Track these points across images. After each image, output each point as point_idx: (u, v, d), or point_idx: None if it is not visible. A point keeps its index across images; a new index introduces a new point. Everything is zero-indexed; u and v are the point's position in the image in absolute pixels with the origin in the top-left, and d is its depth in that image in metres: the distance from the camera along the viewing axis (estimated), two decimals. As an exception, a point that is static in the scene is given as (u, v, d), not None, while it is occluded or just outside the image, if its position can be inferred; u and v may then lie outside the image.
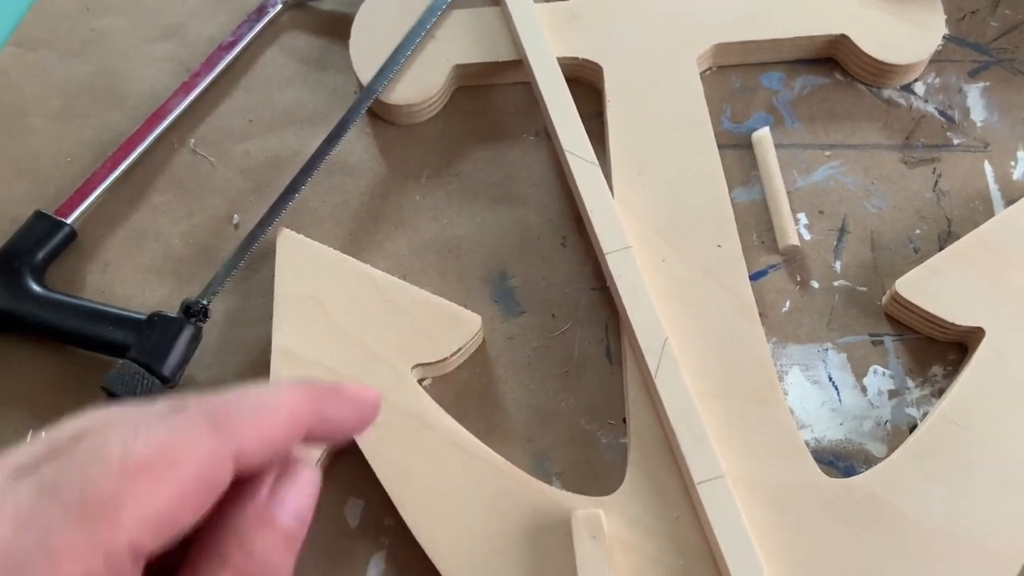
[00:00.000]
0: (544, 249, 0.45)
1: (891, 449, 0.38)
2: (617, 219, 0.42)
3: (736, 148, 0.47)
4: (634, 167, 0.44)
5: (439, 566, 0.35)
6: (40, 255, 0.43)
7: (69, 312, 0.41)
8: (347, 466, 0.39)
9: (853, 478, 0.37)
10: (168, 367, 0.39)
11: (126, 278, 0.44)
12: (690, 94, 0.46)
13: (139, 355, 0.39)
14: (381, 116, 0.49)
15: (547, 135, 0.48)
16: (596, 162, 0.43)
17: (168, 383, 0.39)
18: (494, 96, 0.49)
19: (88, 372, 0.41)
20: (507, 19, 0.48)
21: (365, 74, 0.47)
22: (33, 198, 0.46)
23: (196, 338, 0.40)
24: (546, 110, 0.45)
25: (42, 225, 0.44)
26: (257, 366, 0.42)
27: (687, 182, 0.43)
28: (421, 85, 0.47)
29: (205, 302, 0.41)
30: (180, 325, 0.40)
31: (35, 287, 0.42)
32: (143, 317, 0.40)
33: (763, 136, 0.46)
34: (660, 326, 0.39)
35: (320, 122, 0.49)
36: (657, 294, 0.40)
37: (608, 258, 0.41)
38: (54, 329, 0.41)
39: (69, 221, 0.44)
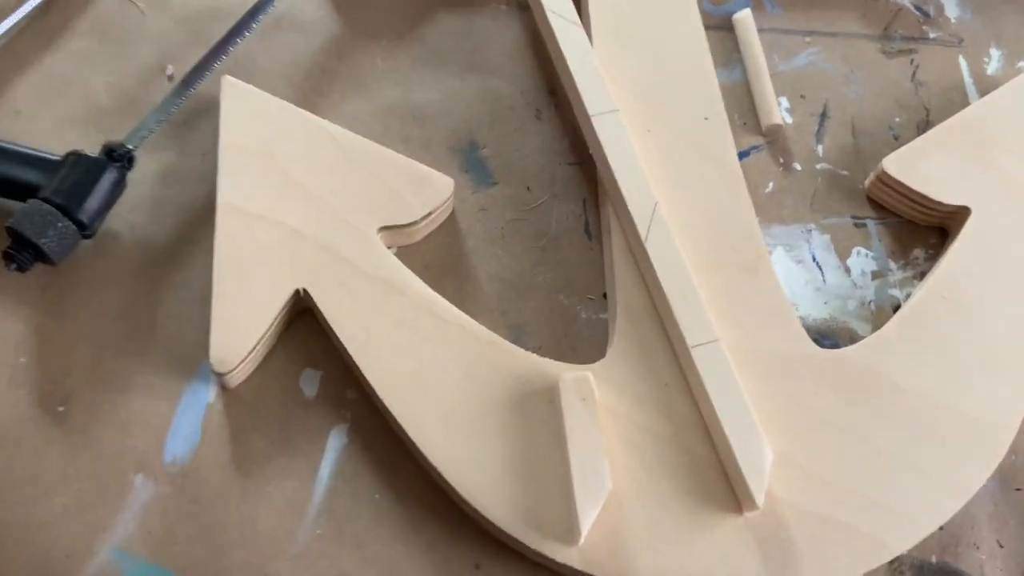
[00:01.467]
0: (517, 121, 0.41)
1: (875, 328, 0.37)
2: (602, 81, 0.39)
3: (716, 30, 0.45)
4: (617, 39, 0.41)
5: (413, 435, 0.32)
6: (-67, 92, 0.37)
7: (-32, 151, 0.35)
8: (301, 334, 0.35)
9: (845, 349, 0.35)
10: (86, 212, 0.34)
11: (40, 127, 0.38)
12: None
13: (52, 195, 0.33)
14: (337, -27, 0.44)
15: (520, 6, 0.44)
16: (579, 23, 0.40)
17: (85, 231, 0.34)
18: (461, -38, 0.46)
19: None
20: None
21: (321, -78, 0.43)
22: (-76, 34, 0.40)
23: (119, 184, 0.35)
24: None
25: (-64, 59, 0.38)
26: (195, 224, 0.37)
27: (672, 53, 0.41)
28: (385, -63, 0.43)
29: (131, 147, 0.36)
30: (101, 167, 0.34)
31: (-73, 126, 0.36)
32: (57, 158, 0.35)
33: (744, 16, 0.44)
34: (649, 190, 0.36)
35: (267, -25, 0.44)
36: (643, 164, 0.38)
37: (594, 121, 0.38)
38: (-51, 170, 0.35)
39: (-30, 56, 0.38)
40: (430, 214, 0.37)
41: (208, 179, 0.38)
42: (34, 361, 0.34)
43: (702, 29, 0.42)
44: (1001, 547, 0.34)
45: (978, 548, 0.34)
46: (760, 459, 0.31)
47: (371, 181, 0.36)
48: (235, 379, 0.34)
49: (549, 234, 0.39)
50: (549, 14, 0.40)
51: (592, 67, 0.39)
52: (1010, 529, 0.34)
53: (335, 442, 0.33)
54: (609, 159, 0.37)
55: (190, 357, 0.34)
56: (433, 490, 0.33)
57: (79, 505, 0.31)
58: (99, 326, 0.35)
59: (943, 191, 0.38)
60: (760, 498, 0.31)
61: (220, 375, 0.33)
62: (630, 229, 0.36)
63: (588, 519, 0.30)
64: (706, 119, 0.39)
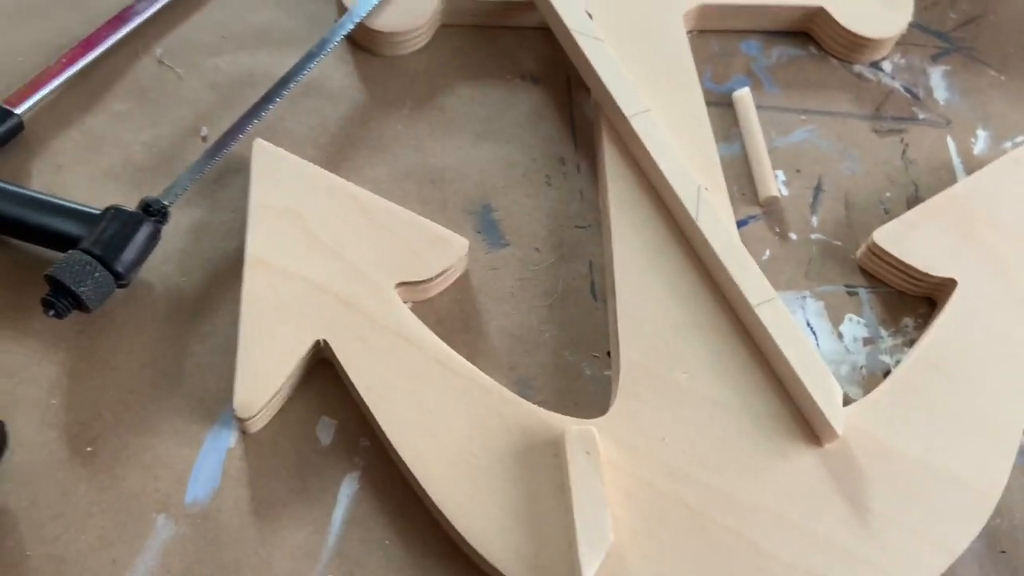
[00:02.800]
0: (528, 186, 0.44)
1: (866, 392, 0.39)
2: (634, 85, 0.43)
3: (716, 106, 0.47)
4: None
5: (423, 482, 0.33)
6: (-17, 143, 0.39)
7: (13, 200, 0.37)
8: (319, 384, 0.37)
9: (837, 411, 0.37)
10: (122, 262, 0.36)
11: (80, 182, 0.41)
12: (677, 46, 0.46)
13: (91, 246, 0.35)
14: (363, 45, 0.47)
15: (532, 79, 0.47)
16: (602, 39, 0.44)
17: (121, 280, 0.36)
18: (478, 37, 0.49)
19: (32, 267, 0.37)
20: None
21: (350, -2, 0.46)
22: (-24, 92, 0.42)
23: (154, 237, 0.37)
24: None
25: (-14, 113, 0.40)
26: (222, 277, 0.39)
27: (676, 128, 0.44)
28: (410, 13, 0.46)
29: (166, 202, 0.38)
30: (138, 220, 0.37)
31: (-24, 178, 0.38)
32: (96, 211, 0.37)
33: (744, 94, 0.47)
34: (691, 176, 0.40)
35: (296, 44, 0.47)
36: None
37: (631, 120, 0.42)
38: (-5, 219, 0.37)
39: (18, 112, 0.41)
40: (445, 271, 0.39)
41: (235, 235, 0.40)
42: (65, 403, 0.35)
43: (703, 103, 0.45)
44: (988, 608, 0.35)
45: (965, 608, 0.35)
46: (834, 393, 0.35)
47: (390, 239, 0.39)
48: (255, 425, 0.35)
49: (556, 293, 0.41)
50: (577, 35, 0.44)
51: (622, 74, 0.43)
52: (997, 591, 0.35)
53: (348, 489, 0.35)
54: (650, 150, 0.41)
55: (213, 404, 0.36)
56: (441, 537, 0.34)
57: (103, 542, 0.33)
58: (129, 371, 0.36)
59: (931, 263, 0.41)
60: (839, 426, 0.35)
61: (242, 420, 0.34)
62: (679, 211, 0.40)
63: (591, 570, 0.31)
64: (706, 189, 0.42)
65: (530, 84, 0.47)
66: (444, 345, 0.37)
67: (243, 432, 0.36)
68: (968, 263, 0.41)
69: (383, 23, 0.46)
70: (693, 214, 0.39)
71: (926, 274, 0.41)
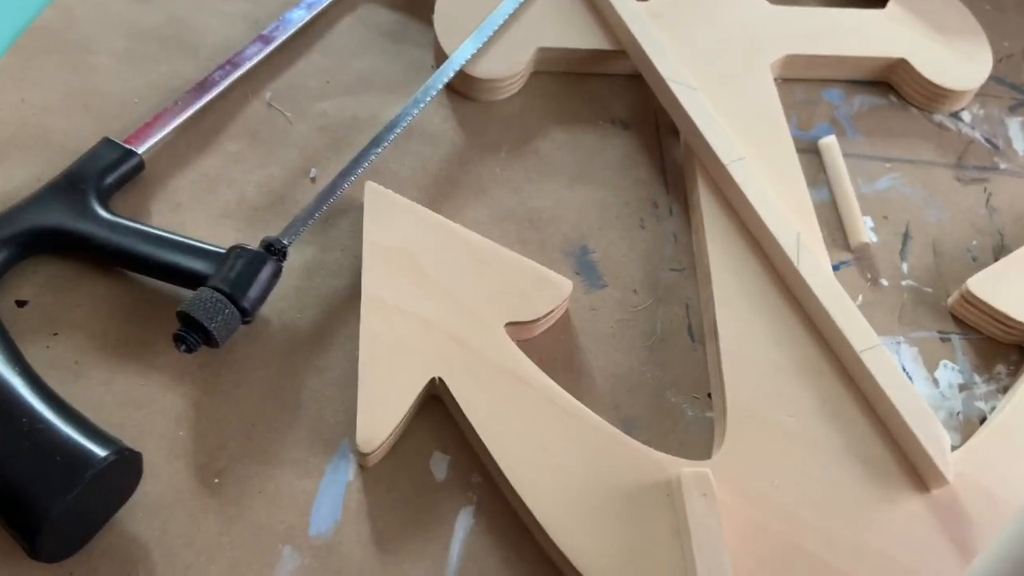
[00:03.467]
0: (623, 228, 0.45)
1: (964, 437, 0.39)
2: (729, 134, 0.44)
3: (802, 153, 0.49)
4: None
5: (540, 519, 0.34)
6: (108, 180, 0.41)
7: (142, 238, 0.39)
8: (431, 420, 0.38)
9: (941, 457, 0.37)
10: (249, 299, 0.37)
11: (198, 219, 0.43)
12: (766, 94, 0.48)
13: (220, 284, 0.37)
14: (460, 91, 0.49)
15: (622, 125, 0.49)
16: (696, 87, 0.45)
17: (247, 317, 0.37)
18: (569, 83, 0.50)
19: (158, 303, 0.39)
20: (599, 4, 0.50)
21: (449, 44, 0.48)
22: (98, 131, 0.44)
23: (276, 275, 0.39)
24: (640, 49, 0.48)
25: (110, 151, 0.42)
26: (335, 313, 0.40)
27: (767, 173, 0.45)
28: (507, 61, 0.48)
29: (286, 241, 0.40)
30: (262, 259, 0.38)
31: (102, 211, 0.40)
32: (221, 250, 0.39)
33: (831, 141, 0.48)
34: (790, 222, 0.41)
35: (397, 91, 0.48)
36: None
37: (729, 168, 0.43)
38: (125, 254, 0.39)
39: (139, 152, 0.42)
40: (551, 312, 0.40)
41: (345, 273, 0.42)
42: (192, 435, 0.36)
43: (793, 149, 0.46)
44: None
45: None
46: (942, 440, 0.36)
47: (498, 280, 0.40)
48: (373, 459, 0.36)
49: (655, 335, 0.42)
50: (671, 83, 0.45)
51: (717, 122, 0.45)
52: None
53: (463, 523, 0.36)
54: (749, 197, 0.42)
55: (332, 436, 0.37)
56: (556, 573, 0.35)
57: (233, 572, 0.33)
58: (250, 404, 0.38)
59: (1023, 311, 0.41)
60: (949, 473, 0.36)
61: (364, 455, 0.35)
62: (778, 256, 0.41)
63: (713, 610, 0.32)
64: (799, 233, 0.43)
65: (620, 129, 0.49)
66: (553, 383, 0.38)
67: (361, 466, 0.37)
68: (1062, 312, 0.41)
69: (482, 70, 0.47)
70: (794, 259, 0.40)
71: (1020, 322, 0.41)
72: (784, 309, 0.41)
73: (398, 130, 0.45)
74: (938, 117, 0.51)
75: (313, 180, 0.45)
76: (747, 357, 0.39)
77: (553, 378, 0.38)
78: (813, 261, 0.41)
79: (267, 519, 0.35)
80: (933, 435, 0.36)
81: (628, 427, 0.39)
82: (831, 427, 0.37)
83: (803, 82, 0.52)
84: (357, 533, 0.35)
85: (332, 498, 0.36)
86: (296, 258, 0.42)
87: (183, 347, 0.36)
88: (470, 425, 0.36)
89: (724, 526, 0.34)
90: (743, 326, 0.40)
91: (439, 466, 0.37)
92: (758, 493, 0.36)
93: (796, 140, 0.49)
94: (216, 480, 0.35)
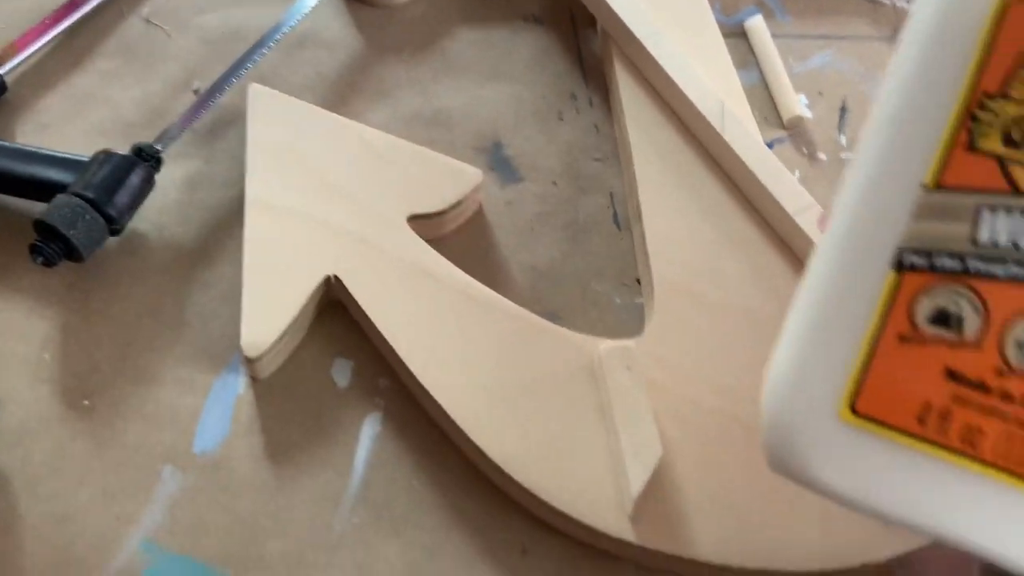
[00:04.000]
0: (540, 123, 0.42)
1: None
2: (644, 10, 0.41)
3: (729, 38, 0.45)
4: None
5: (453, 415, 0.31)
6: (-36, 104, 0.37)
7: (-2, 154, 0.35)
8: (332, 326, 0.34)
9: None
10: (115, 206, 0.33)
11: (67, 139, 0.39)
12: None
13: (81, 189, 0.33)
14: (358, -3, 0.45)
15: (535, 20, 0.45)
16: None
17: (114, 225, 0.33)
18: (477, -16, 0.47)
19: (17, 222, 0.35)
20: None
21: (342, -53, 0.44)
22: (-44, 58, 0.40)
23: (147, 182, 0.35)
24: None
25: (-33, 74, 0.38)
26: (222, 226, 0.37)
27: (690, 52, 0.41)
28: (404, -42, 0.44)
29: (158, 147, 0.36)
30: (131, 163, 0.34)
31: (-43, 136, 0.36)
32: (85, 159, 0.35)
33: (757, 22, 0.45)
34: (713, 91, 0.38)
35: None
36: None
37: (645, 43, 0.40)
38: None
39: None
40: (459, 203, 0.36)
41: (234, 184, 0.38)
42: (59, 357, 0.33)
43: (718, 30, 0.43)
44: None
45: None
46: None
47: (399, 173, 0.36)
48: (265, 369, 0.33)
49: (578, 225, 0.38)
50: None
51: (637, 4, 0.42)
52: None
53: (369, 430, 0.32)
54: (667, 69, 0.39)
55: (219, 351, 0.33)
56: (474, 474, 0.31)
57: (105, 498, 0.30)
58: (126, 324, 0.34)
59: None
60: None
61: (251, 361, 0.32)
62: (702, 128, 0.38)
63: (640, 484, 0.28)
64: (724, 102, 0.39)
65: (534, 25, 0.45)
66: (465, 275, 0.34)
67: (253, 378, 0.33)
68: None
69: (377, -31, 0.44)
70: (718, 128, 0.37)
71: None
72: (710, 181, 0.37)
73: (285, 31, 0.41)
74: (871, -6, 0.49)
75: (196, 93, 0.41)
76: (672, 233, 0.36)
77: (468, 275, 0.35)
78: (739, 129, 0.37)
79: (145, 440, 0.31)
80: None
81: (552, 319, 0.35)
82: (765, 296, 0.34)
83: (726, -32, 0.49)
84: (248, 447, 0.31)
85: (219, 413, 0.32)
86: (178, 171, 0.38)
87: (40, 259, 0.32)
88: (372, 324, 0.33)
89: (655, 406, 0.31)
90: (667, 202, 0.37)
91: (342, 372, 0.33)
92: (690, 368, 0.32)
93: (722, 25, 0.46)
94: (86, 403, 0.32)
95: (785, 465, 0.22)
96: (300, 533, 0.30)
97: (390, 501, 0.31)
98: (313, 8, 0.43)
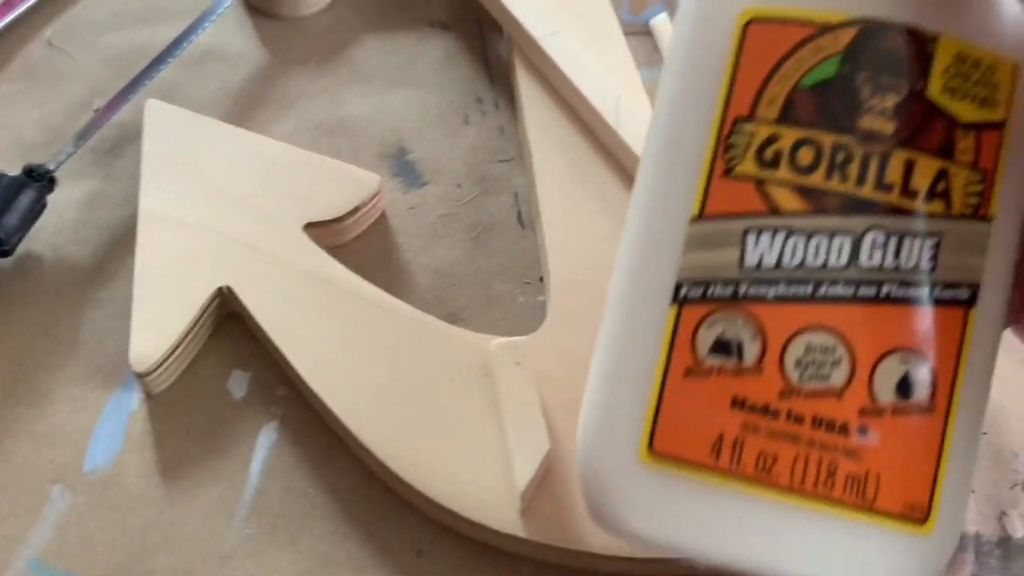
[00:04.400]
0: (445, 126, 0.42)
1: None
2: (542, 10, 0.41)
3: (635, 36, 0.46)
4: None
5: (345, 420, 0.30)
6: None
7: None
8: (228, 337, 0.34)
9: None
10: (3, 228, 0.33)
11: (-36, 164, 0.39)
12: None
13: (-32, 212, 0.33)
14: (262, 10, 0.45)
15: (443, 27, 0.46)
16: None
17: (3, 247, 0.33)
18: (384, -6, 0.47)
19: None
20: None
21: (244, -39, 0.44)
22: None
23: (38, 202, 0.35)
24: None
25: None
26: (119, 244, 0.37)
27: (589, 48, 0.42)
28: (306, -30, 0.45)
29: (51, 167, 0.36)
30: (19, 184, 0.34)
31: None
32: (-27, 179, 0.35)
33: (662, 19, 0.46)
34: (609, 87, 0.38)
35: (194, 16, 0.45)
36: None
37: (542, 43, 0.40)
38: None
39: None
40: (357, 209, 0.36)
41: (133, 202, 0.37)
42: (-52, 382, 0.32)
43: (618, 25, 0.43)
44: (973, 491, 0.32)
45: (950, 494, 0.32)
46: None
47: (296, 182, 0.36)
48: (158, 384, 0.32)
49: (482, 226, 0.38)
50: None
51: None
52: (980, 473, 0.33)
53: (265, 440, 0.32)
54: (563, 68, 0.39)
55: (114, 369, 0.33)
56: (369, 479, 0.31)
57: (-9, 520, 0.29)
58: (17, 344, 0.33)
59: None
60: None
61: (141, 376, 0.31)
62: (598, 125, 0.38)
63: (526, 478, 0.28)
64: (619, 96, 0.40)
65: (440, 31, 0.46)
66: (360, 279, 0.34)
67: (148, 394, 0.33)
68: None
69: (279, -19, 0.44)
70: (613, 124, 0.37)
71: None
72: (608, 176, 0.37)
73: (185, 45, 0.41)
74: (776, -14, 0.49)
75: (97, 111, 0.41)
76: (570, 229, 0.36)
77: (370, 280, 0.35)
78: (636, 123, 0.38)
79: (35, 459, 0.31)
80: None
81: (454, 320, 0.35)
82: (664, 286, 0.34)
83: (633, -33, 0.49)
84: (140, 463, 0.31)
85: (112, 430, 0.32)
86: (75, 192, 0.38)
87: (-75, 284, 0.32)
88: (265, 333, 0.33)
89: (551, 399, 0.31)
90: (565, 199, 0.37)
91: (238, 384, 0.33)
92: (585, 361, 0.32)
93: (630, 25, 0.46)
94: (-26, 427, 0.31)
95: (599, 515, 0.22)
96: (191, 546, 0.29)
97: (285, 509, 0.30)
98: (215, 23, 0.43)
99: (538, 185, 0.37)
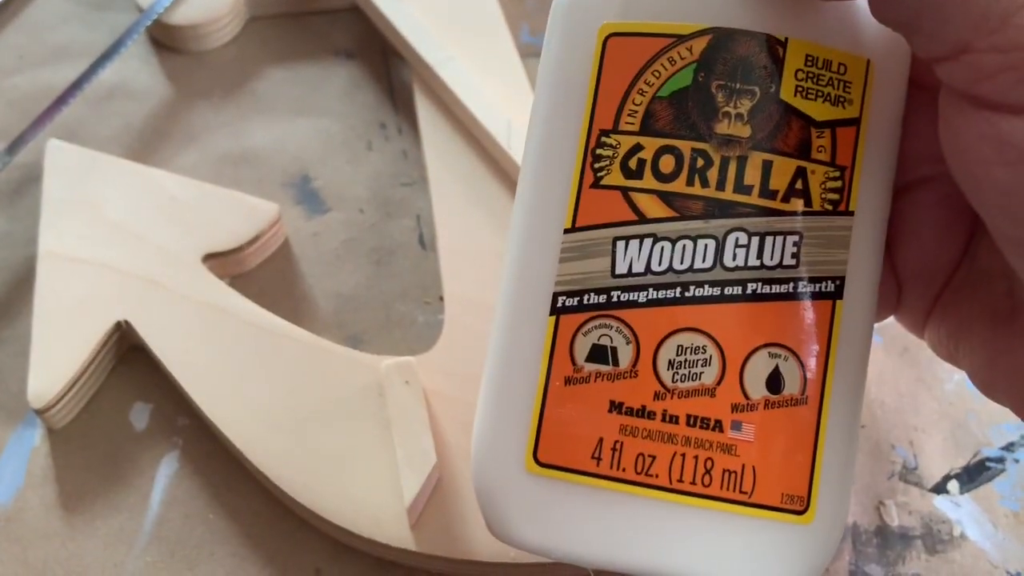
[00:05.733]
0: (348, 153, 0.43)
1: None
2: (436, 38, 0.42)
3: (536, 57, 0.47)
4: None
5: (239, 446, 0.31)
6: None
7: None
8: (130, 370, 0.35)
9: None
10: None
11: None
12: (486, 5, 0.46)
13: None
14: (167, 45, 0.46)
15: (347, 55, 0.47)
16: None
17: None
18: (288, 25, 0.48)
19: None
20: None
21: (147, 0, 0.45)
22: None
23: (-57, 247, 0.35)
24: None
25: None
26: (21, 284, 0.37)
27: (483, 72, 0.43)
28: (208, 5, 0.45)
29: (-47, 212, 0.36)
30: (-77, 232, 0.35)
31: None
32: None
33: (559, 40, 0.47)
34: (500, 110, 0.40)
35: (98, 55, 0.46)
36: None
37: (436, 68, 0.41)
38: None
39: None
40: (257, 239, 0.37)
41: (35, 241, 0.38)
42: None
43: (514, 49, 0.45)
44: (853, 483, 0.34)
45: (829, 486, 0.34)
46: None
47: (194, 214, 0.37)
48: (59, 419, 0.33)
49: (384, 249, 0.40)
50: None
51: (424, 27, 0.43)
52: (858, 465, 0.34)
53: (166, 469, 0.33)
54: (456, 92, 0.40)
55: (15, 406, 0.34)
56: (269, 502, 0.32)
57: None
58: (-82, 387, 0.34)
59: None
60: None
61: (39, 412, 0.32)
62: (491, 146, 0.39)
63: (413, 492, 0.29)
64: (511, 119, 0.41)
65: (344, 60, 0.47)
66: (257, 308, 0.35)
67: (50, 429, 0.33)
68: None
69: (181, 17, 0.45)
70: (505, 145, 0.39)
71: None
72: (502, 197, 0.39)
73: (86, 85, 0.42)
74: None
75: (1, 153, 0.41)
76: (465, 249, 0.37)
77: (273, 308, 0.36)
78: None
79: (-67, 502, 0.31)
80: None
81: (354, 343, 0.36)
82: (553, 300, 0.36)
83: (534, -10, 0.51)
84: (41, 498, 0.32)
85: (13, 467, 0.32)
86: (-21, 232, 0.39)
87: None
88: (164, 365, 0.33)
89: (442, 415, 0.32)
90: (460, 220, 0.38)
91: (139, 416, 0.34)
92: (475, 377, 0.33)
93: (531, 46, 0.48)
94: None
95: (492, 527, 0.22)
96: (91, 577, 0.30)
97: (185, 536, 0.31)
98: (120, 59, 0.44)
99: (435, 208, 0.39)
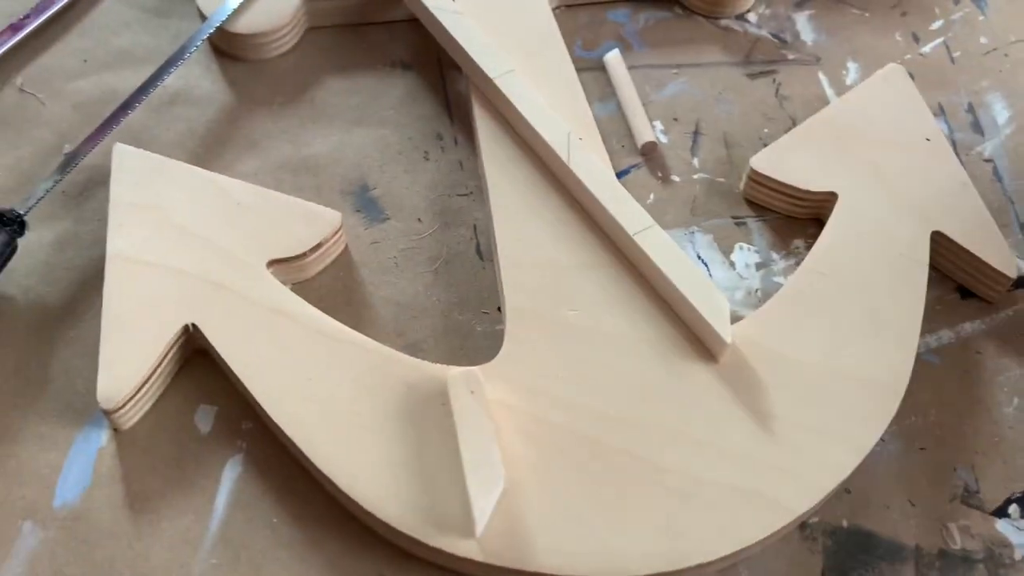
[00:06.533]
0: (406, 163, 0.43)
1: (765, 314, 0.38)
2: (496, 50, 0.43)
3: (589, 71, 0.48)
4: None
5: (307, 451, 0.32)
6: None
7: None
8: (195, 373, 0.35)
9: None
10: (-23, 272, 0.34)
11: (-64, 209, 0.40)
12: (541, 16, 0.47)
13: (-59, 256, 0.34)
14: (228, 53, 0.47)
15: (404, 67, 0.47)
16: (460, 12, 0.44)
17: (-23, 292, 0.35)
18: (346, 35, 0.49)
19: None
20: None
21: (209, 7, 0.46)
22: None
23: (8, 246, 0.36)
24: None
25: None
26: (89, 284, 0.38)
27: (543, 87, 0.43)
28: (270, 14, 0.46)
29: (21, 211, 0.37)
30: (-8, 229, 0.35)
31: None
32: (-54, 223, 0.36)
33: (614, 55, 0.48)
34: (560, 124, 0.40)
35: (160, 61, 0.46)
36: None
37: (497, 82, 0.41)
38: None
39: None
40: (320, 246, 0.38)
41: (102, 243, 0.38)
42: (-80, 423, 0.33)
43: (571, 65, 0.45)
44: (913, 506, 0.34)
45: (888, 508, 0.33)
46: (720, 304, 0.35)
47: (259, 220, 0.38)
48: (126, 420, 0.33)
49: (442, 258, 0.40)
50: (435, 11, 0.44)
51: (484, 40, 0.43)
52: (920, 488, 0.34)
53: (231, 473, 0.33)
54: (516, 105, 0.41)
55: (82, 406, 0.34)
56: (332, 507, 0.32)
57: (-38, 558, 0.30)
58: (-11, 384, 0.34)
59: (810, 180, 0.41)
60: (727, 335, 0.34)
61: (108, 413, 0.32)
62: (551, 159, 0.40)
63: (482, 506, 0.29)
64: (580, 139, 0.41)
65: (402, 71, 0.47)
66: (321, 314, 0.35)
67: (116, 430, 0.34)
68: (846, 175, 0.41)
69: (243, 26, 0.45)
70: (565, 158, 0.39)
71: (807, 191, 0.40)
72: (561, 209, 0.39)
73: (151, 90, 0.42)
74: (724, 22, 0.51)
75: (67, 156, 0.42)
76: (525, 260, 0.37)
77: (333, 314, 0.36)
78: (585, 157, 0.39)
79: (5, 496, 0.32)
80: (710, 301, 0.35)
81: (414, 351, 0.37)
82: (614, 315, 0.36)
83: (587, 6, 0.51)
84: (108, 498, 0.32)
85: (81, 466, 0.33)
86: (47, 234, 0.39)
87: None
88: (230, 368, 0.34)
89: (504, 426, 0.32)
90: (521, 231, 0.38)
91: (204, 418, 0.34)
92: (539, 388, 0.34)
93: (583, 60, 0.48)
94: (-54, 466, 0.32)
95: None
96: (158, 578, 0.30)
97: (249, 540, 0.31)
98: (182, 67, 0.44)
99: (494, 220, 0.39)
